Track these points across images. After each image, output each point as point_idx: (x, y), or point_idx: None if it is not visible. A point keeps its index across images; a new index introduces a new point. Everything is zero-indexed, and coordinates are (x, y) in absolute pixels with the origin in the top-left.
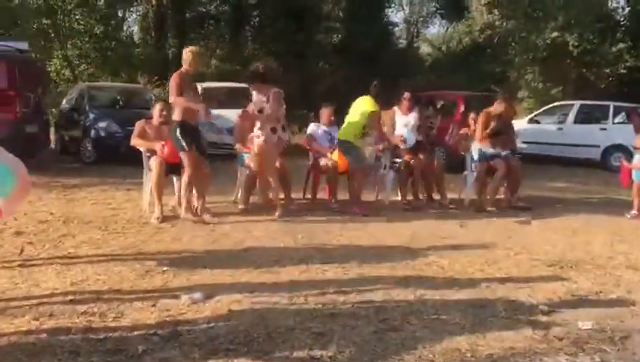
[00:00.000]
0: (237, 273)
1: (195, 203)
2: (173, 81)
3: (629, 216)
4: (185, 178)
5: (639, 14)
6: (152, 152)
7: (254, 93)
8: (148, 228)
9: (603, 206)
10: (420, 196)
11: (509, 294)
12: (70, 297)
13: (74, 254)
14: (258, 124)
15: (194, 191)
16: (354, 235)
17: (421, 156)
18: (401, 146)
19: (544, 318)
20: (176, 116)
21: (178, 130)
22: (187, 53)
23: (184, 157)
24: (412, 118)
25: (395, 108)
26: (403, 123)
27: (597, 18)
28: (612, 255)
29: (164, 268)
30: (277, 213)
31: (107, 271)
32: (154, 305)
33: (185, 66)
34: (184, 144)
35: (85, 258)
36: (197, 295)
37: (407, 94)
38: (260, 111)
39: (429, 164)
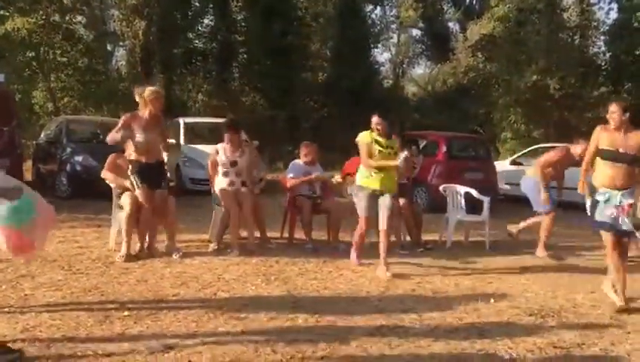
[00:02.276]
0: (202, 319)
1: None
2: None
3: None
4: (127, 206)
5: (619, 59)
6: (123, 189)
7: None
8: (113, 269)
9: (588, 250)
10: (403, 238)
11: (488, 346)
12: (18, 345)
13: (30, 296)
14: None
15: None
16: (329, 278)
17: (401, 199)
18: None
19: None
20: (131, 156)
21: (130, 170)
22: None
23: (137, 195)
24: (398, 161)
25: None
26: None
27: (578, 62)
28: (595, 303)
29: (126, 313)
30: (233, 252)
31: (64, 316)
32: (109, 356)
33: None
34: (135, 184)
35: (43, 301)
36: (156, 344)
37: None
38: (233, 163)
39: (410, 206)
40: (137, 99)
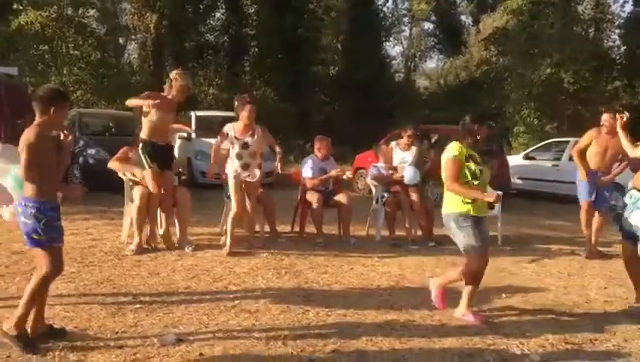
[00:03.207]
0: (214, 312)
1: (153, 230)
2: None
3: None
4: (137, 199)
5: (635, 53)
6: (136, 182)
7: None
8: (126, 261)
9: (600, 246)
10: (414, 232)
11: (500, 342)
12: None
13: None
14: (233, 154)
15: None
16: (340, 272)
17: (413, 193)
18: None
19: None
20: (143, 135)
21: (141, 148)
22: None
23: (145, 177)
24: (410, 154)
25: (393, 143)
26: (399, 159)
27: (592, 56)
28: (608, 299)
29: (138, 305)
30: (225, 248)
31: (77, 307)
32: (121, 348)
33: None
34: (145, 162)
35: (55, 293)
36: (168, 337)
37: (409, 131)
38: (245, 145)
39: (422, 200)
40: (172, 77)
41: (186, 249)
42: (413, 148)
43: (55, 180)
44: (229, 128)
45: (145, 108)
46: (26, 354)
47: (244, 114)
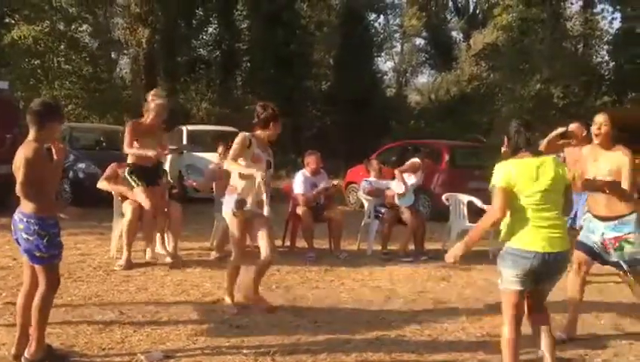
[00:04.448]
0: (202, 328)
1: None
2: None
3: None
4: (129, 213)
5: (623, 68)
6: (125, 197)
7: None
8: (114, 277)
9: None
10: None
11: (490, 357)
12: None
13: None
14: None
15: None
16: (330, 287)
17: (406, 210)
18: (397, 202)
19: None
20: (129, 159)
21: (127, 172)
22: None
23: (136, 195)
24: (415, 179)
25: (418, 161)
26: (414, 179)
27: (582, 71)
28: (599, 314)
29: (125, 321)
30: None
31: (63, 323)
32: None
33: (144, 114)
34: (132, 182)
35: None
36: (155, 354)
37: (418, 161)
38: (269, 164)
39: (415, 214)
40: (148, 100)
41: (166, 259)
42: (419, 174)
43: (53, 195)
44: (250, 136)
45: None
46: None
47: (271, 131)
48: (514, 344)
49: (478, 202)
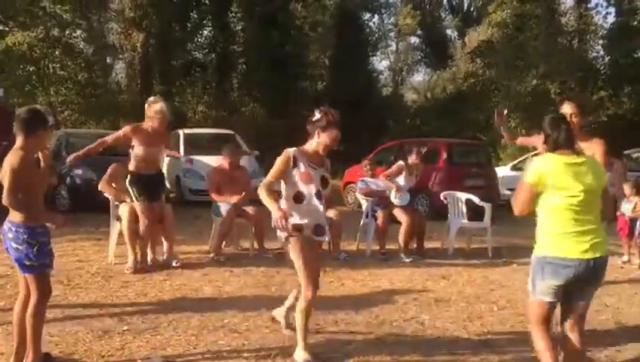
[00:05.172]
0: (202, 332)
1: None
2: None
3: (620, 262)
4: (141, 228)
5: (618, 63)
6: (122, 201)
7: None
8: (113, 283)
9: None
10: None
11: (492, 356)
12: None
13: None
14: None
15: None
16: (330, 288)
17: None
18: (395, 202)
19: None
20: (131, 167)
21: (128, 181)
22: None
23: (135, 207)
24: (404, 181)
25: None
26: (404, 180)
27: (578, 67)
28: (599, 308)
29: (125, 328)
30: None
31: (62, 331)
32: None
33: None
34: (133, 196)
35: None
36: (155, 360)
37: (415, 156)
38: (324, 182)
39: (413, 213)
40: (146, 109)
41: (173, 263)
42: (410, 175)
43: (42, 204)
44: (295, 153)
45: (135, 148)
46: None
47: (327, 138)
48: (552, 353)
49: (476, 200)
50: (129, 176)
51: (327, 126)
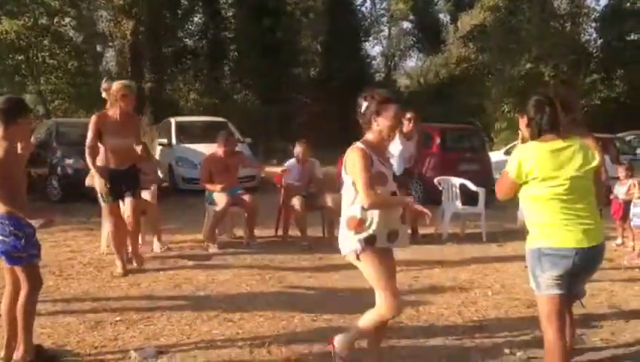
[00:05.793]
0: (196, 322)
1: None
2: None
3: (614, 245)
4: (109, 229)
5: (611, 46)
6: None
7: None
8: (105, 273)
9: None
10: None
11: (487, 340)
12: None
13: None
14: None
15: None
16: (325, 276)
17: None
18: None
19: None
20: (99, 161)
21: (96, 178)
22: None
23: (104, 208)
24: (412, 145)
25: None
26: (400, 146)
27: (570, 50)
28: (594, 292)
29: (118, 318)
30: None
31: (54, 322)
32: None
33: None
34: (100, 198)
35: None
36: (148, 350)
37: (409, 114)
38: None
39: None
40: (104, 95)
41: (159, 249)
42: (415, 136)
43: (24, 195)
44: (366, 148)
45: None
46: None
47: (386, 119)
48: (564, 354)
49: (470, 185)
50: (99, 173)
51: (379, 107)
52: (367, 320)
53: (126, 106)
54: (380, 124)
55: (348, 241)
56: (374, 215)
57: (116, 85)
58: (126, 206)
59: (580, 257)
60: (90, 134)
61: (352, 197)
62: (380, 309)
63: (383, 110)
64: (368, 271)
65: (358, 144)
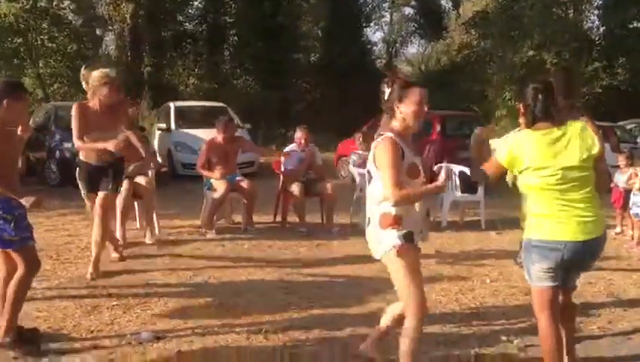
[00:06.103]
0: (193, 307)
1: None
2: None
3: (613, 233)
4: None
5: (613, 33)
6: None
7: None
8: (102, 258)
9: None
10: None
11: (484, 328)
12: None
13: None
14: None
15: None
16: (322, 262)
17: None
18: None
19: (520, 354)
20: (81, 156)
21: (77, 173)
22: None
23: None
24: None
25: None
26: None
27: (573, 37)
28: (591, 281)
29: (114, 303)
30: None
31: (51, 306)
32: (95, 348)
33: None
34: (82, 191)
35: (28, 292)
36: (144, 335)
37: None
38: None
39: None
40: (84, 86)
41: (149, 241)
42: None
43: (15, 177)
44: (396, 138)
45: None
46: (29, 357)
47: (410, 105)
48: (556, 339)
49: (469, 172)
50: (79, 167)
51: (402, 92)
52: (408, 339)
53: (106, 98)
54: (404, 111)
55: (385, 239)
56: (409, 211)
57: (95, 74)
58: (97, 198)
59: (571, 250)
60: (75, 131)
61: (372, 192)
62: (413, 310)
63: (406, 95)
64: (403, 270)
65: (388, 134)
